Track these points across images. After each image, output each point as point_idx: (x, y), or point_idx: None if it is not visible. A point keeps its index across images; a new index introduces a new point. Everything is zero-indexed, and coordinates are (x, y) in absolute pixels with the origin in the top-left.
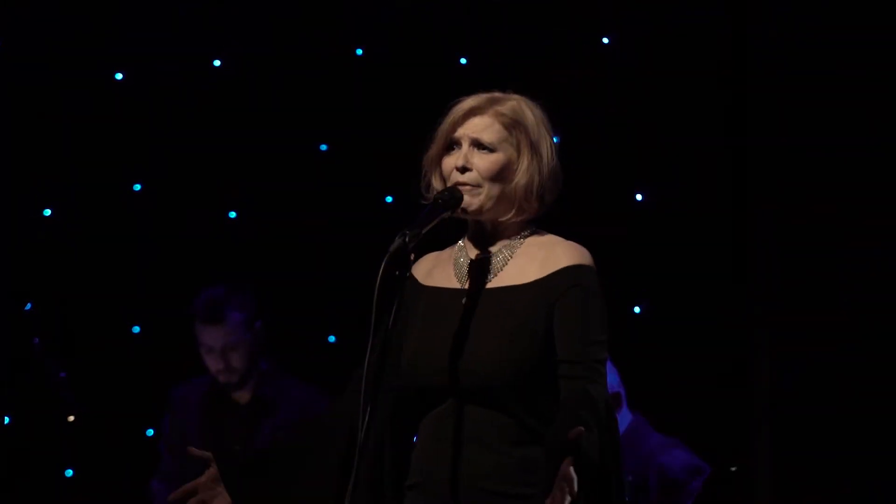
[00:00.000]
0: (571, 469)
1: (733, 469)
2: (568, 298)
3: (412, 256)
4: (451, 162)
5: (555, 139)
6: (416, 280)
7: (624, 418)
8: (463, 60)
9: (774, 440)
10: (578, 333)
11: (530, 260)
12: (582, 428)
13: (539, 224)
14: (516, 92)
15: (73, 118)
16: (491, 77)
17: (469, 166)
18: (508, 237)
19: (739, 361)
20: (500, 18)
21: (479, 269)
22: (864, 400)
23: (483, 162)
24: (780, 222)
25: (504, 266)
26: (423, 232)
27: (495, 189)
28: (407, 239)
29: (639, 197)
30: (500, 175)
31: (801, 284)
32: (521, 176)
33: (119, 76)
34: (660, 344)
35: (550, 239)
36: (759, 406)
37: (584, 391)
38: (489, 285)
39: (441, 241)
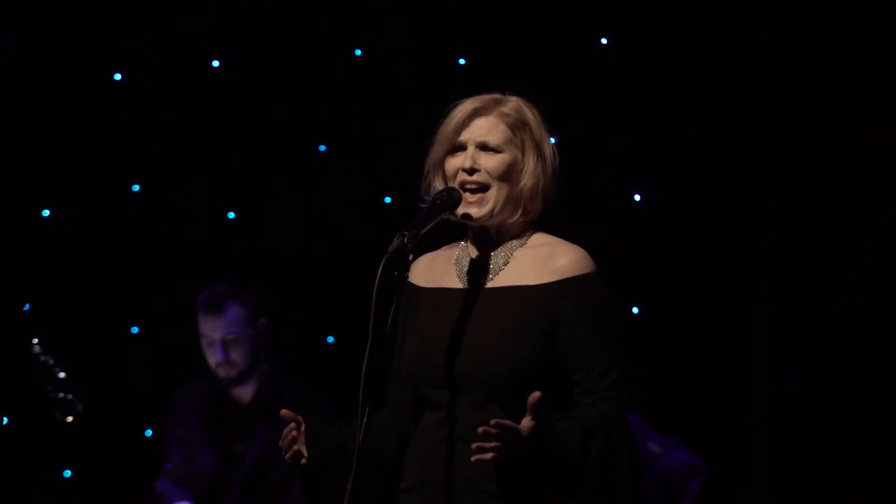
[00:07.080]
0: (529, 425)
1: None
2: (575, 318)
3: (411, 257)
4: (456, 163)
5: (552, 140)
6: (412, 285)
7: None
8: (462, 60)
9: (774, 440)
10: (590, 364)
11: (531, 261)
12: (539, 393)
13: (539, 224)
14: (515, 93)
15: (72, 118)
16: (490, 77)
17: (476, 167)
18: (511, 238)
19: (739, 361)
20: (500, 18)
21: (480, 268)
22: (863, 401)
23: (491, 162)
24: (781, 222)
25: (504, 266)
26: (422, 233)
27: (503, 191)
28: (406, 240)
29: (638, 197)
30: (507, 175)
31: (802, 284)
32: (527, 178)
33: (119, 76)
34: (659, 344)
35: (551, 240)
36: (759, 406)
37: (593, 407)
38: (489, 285)
39: (440, 241)
